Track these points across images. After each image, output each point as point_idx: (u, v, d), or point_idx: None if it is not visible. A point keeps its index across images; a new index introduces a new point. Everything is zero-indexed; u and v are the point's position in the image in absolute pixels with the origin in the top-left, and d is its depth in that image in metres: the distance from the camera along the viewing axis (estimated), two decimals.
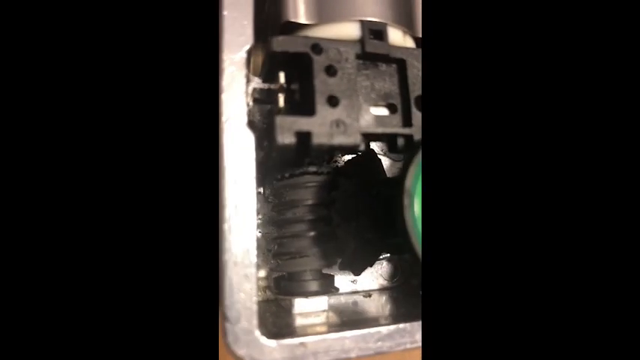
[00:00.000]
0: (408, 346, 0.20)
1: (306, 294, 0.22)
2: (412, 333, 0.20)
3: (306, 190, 0.23)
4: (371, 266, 0.25)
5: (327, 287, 0.23)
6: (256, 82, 0.21)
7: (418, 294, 0.25)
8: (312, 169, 0.23)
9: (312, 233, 0.23)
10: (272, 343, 0.18)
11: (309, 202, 0.23)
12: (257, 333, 0.18)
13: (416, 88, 0.21)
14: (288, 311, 0.23)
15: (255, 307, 0.18)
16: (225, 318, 0.18)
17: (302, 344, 0.18)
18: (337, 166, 0.25)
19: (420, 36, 0.22)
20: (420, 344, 0.20)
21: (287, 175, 0.23)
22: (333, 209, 0.24)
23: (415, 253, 0.17)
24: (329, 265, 0.23)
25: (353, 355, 0.19)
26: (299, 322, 0.22)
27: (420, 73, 0.21)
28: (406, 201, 0.17)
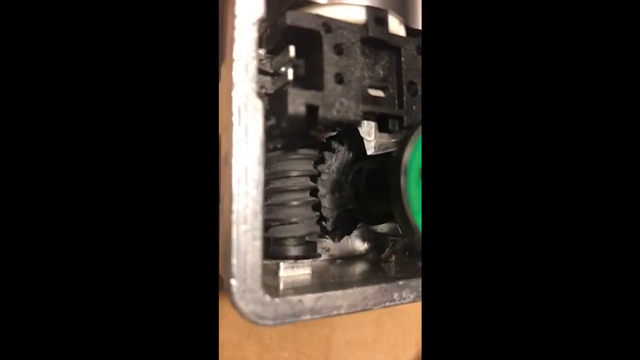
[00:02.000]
0: (387, 304, 0.22)
1: (292, 258, 0.24)
2: (391, 292, 0.23)
3: (295, 162, 0.24)
4: (349, 234, 0.27)
5: (311, 252, 0.25)
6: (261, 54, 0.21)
7: (389, 261, 0.28)
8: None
9: (299, 202, 0.24)
10: (275, 300, 0.19)
11: (297, 173, 0.24)
12: (261, 292, 0.19)
13: (408, 74, 0.23)
14: (274, 273, 0.24)
15: (260, 267, 0.19)
16: (233, 276, 0.19)
17: (300, 301, 0.20)
18: (323, 141, 0.26)
19: (412, 26, 0.24)
20: (396, 302, 0.23)
21: (278, 145, 0.24)
22: (319, 181, 0.26)
23: (409, 223, 0.20)
24: (313, 232, 0.25)
25: (343, 311, 0.21)
26: (285, 284, 0.24)
27: (416, 61, 0.23)
28: (403, 178, 0.19)
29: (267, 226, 0.24)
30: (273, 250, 0.24)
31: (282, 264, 0.24)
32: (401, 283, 0.23)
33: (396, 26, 0.23)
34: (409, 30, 0.24)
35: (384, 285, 0.22)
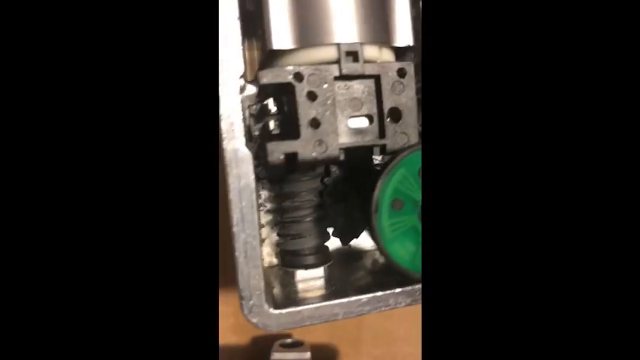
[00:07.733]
0: (383, 309, 0.26)
1: (306, 267, 0.28)
2: (386, 299, 0.25)
3: (303, 183, 0.27)
4: (357, 237, 0.30)
5: (323, 259, 0.28)
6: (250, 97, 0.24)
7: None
8: None
9: (308, 218, 0.28)
10: (276, 312, 0.24)
11: (305, 192, 0.27)
12: (265, 306, 0.24)
13: (388, 102, 0.23)
14: (292, 278, 0.29)
15: (262, 288, 0.23)
16: (241, 297, 0.24)
17: (299, 312, 0.24)
18: None
19: (397, 45, 0.24)
20: (392, 307, 0.26)
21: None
22: (325, 192, 0.28)
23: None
24: (324, 242, 0.28)
25: (340, 317, 0.25)
26: (301, 286, 0.28)
27: (398, 85, 0.23)
28: (374, 217, 0.21)
29: (281, 239, 0.29)
30: (288, 260, 0.28)
31: (297, 271, 0.28)
32: (397, 291, 0.25)
33: (374, 53, 0.23)
34: (397, 49, 0.24)
35: (379, 294, 0.25)
